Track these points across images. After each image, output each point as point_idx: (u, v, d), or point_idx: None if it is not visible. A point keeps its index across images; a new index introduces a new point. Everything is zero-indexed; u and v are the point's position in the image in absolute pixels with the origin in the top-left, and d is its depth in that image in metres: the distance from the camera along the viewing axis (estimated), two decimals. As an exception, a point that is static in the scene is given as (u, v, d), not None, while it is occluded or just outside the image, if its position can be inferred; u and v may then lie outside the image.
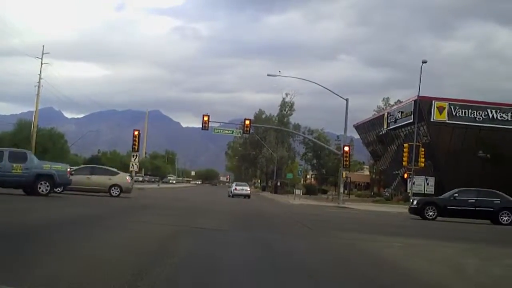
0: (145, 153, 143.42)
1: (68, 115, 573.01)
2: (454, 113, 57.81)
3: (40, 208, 17.27)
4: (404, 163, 48.47)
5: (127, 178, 32.17)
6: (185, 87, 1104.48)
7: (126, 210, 19.72)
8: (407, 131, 62.84)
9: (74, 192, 28.33)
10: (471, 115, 57.92)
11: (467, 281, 7.96)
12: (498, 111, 58.26)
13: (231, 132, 61.68)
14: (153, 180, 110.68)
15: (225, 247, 10.01)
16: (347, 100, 46.33)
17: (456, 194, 27.33)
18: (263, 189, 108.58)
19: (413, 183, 48.84)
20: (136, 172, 58.04)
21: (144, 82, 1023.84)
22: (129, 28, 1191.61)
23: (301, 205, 40.35)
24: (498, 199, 26.82)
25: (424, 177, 56.61)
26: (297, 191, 58.14)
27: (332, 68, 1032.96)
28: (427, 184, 57.72)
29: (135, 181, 57.02)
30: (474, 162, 56.73)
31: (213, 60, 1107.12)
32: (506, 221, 25.91)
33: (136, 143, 47.75)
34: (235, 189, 52.81)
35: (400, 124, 64.05)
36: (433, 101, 58.10)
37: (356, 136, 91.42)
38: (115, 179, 30.39)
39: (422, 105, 55.49)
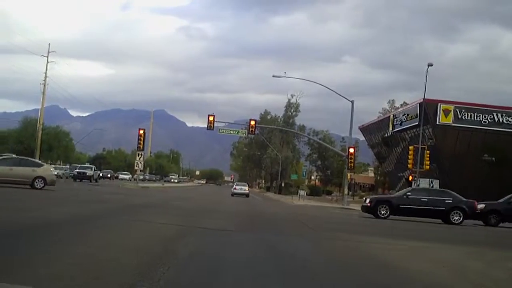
0: (150, 152, 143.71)
1: (73, 113, 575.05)
2: (459, 116, 57.71)
3: None
4: (409, 166, 48.39)
5: (51, 170, 31.77)
6: (190, 87, 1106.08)
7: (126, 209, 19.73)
8: (412, 134, 62.75)
9: None
10: (476, 118, 57.82)
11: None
12: (504, 114, 58.14)
13: (236, 132, 61.69)
14: (154, 179, 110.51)
15: (229, 248, 10.01)
16: (352, 102, 46.26)
17: (409, 193, 27.27)
18: (268, 189, 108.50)
19: (418, 186, 48.73)
20: (141, 171, 58.17)
21: (149, 82, 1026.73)
22: (135, 27, 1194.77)
23: (305, 206, 40.30)
24: (450, 199, 26.82)
25: (429, 179, 56.51)
26: (302, 192, 58.02)
27: (336, 70, 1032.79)
28: (432, 186, 57.65)
29: (136, 179, 57.22)
30: (479, 166, 56.63)
31: (218, 60, 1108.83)
32: (457, 220, 25.93)
33: (141, 142, 47.87)
34: (235, 188, 56.22)
35: (406, 127, 63.98)
36: (439, 104, 58.03)
37: (361, 138, 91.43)
38: (39, 171, 28.68)
39: (427, 108, 55.41)
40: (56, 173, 59.99)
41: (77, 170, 58.55)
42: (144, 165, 63.61)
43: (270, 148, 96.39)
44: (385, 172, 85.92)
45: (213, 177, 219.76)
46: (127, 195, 31.24)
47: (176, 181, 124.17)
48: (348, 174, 47.75)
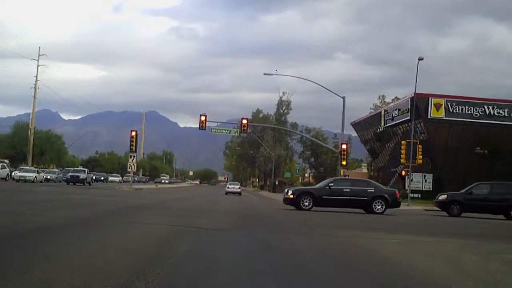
0: (143, 153, 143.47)
1: (65, 116, 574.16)
2: (451, 110, 57.94)
3: None
4: (402, 160, 48.52)
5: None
6: (182, 88, 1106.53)
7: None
8: (404, 128, 62.95)
9: None
10: (468, 111, 58.07)
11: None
12: (495, 107, 58.42)
13: (228, 131, 61.70)
14: (144, 180, 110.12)
15: (224, 247, 9.98)
16: (343, 98, 46.34)
17: (332, 184, 26.98)
18: (262, 188, 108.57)
19: (411, 180, 48.93)
20: (134, 173, 58.00)
21: (141, 83, 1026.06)
22: (126, 29, 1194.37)
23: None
24: (372, 188, 26.94)
25: (422, 174, 56.75)
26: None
27: (329, 67, 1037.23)
28: (425, 180, 57.88)
29: (124, 181, 56.79)
30: (471, 158, 56.88)
31: (210, 60, 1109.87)
32: (379, 209, 26.02)
33: (134, 144, 47.72)
34: (228, 187, 60.87)
35: (397, 122, 64.16)
36: (430, 98, 58.22)
37: (354, 134, 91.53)
38: None
39: (419, 102, 55.59)
40: (49, 177, 60.28)
41: (70, 173, 58.34)
42: (137, 167, 63.48)
43: (263, 147, 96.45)
44: (378, 167, 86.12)
45: (206, 177, 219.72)
46: (121, 197, 31.14)
47: (167, 181, 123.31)
48: (342, 171, 47.83)
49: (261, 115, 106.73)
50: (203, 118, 47.82)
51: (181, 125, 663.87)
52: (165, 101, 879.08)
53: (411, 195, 47.59)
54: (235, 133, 65.11)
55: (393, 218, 24.03)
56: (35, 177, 55.14)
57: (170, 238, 10.78)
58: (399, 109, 63.67)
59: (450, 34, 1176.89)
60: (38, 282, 5.75)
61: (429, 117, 57.98)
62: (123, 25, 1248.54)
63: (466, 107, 58.24)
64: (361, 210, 26.78)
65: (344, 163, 45.74)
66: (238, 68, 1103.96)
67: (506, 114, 58.05)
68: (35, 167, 64.40)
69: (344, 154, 45.27)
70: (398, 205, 27.61)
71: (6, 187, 37.49)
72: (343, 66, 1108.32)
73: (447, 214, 28.99)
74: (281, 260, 8.58)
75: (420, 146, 47.14)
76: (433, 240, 13.84)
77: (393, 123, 65.94)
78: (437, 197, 31.91)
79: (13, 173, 57.08)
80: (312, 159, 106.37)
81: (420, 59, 43.73)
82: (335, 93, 47.55)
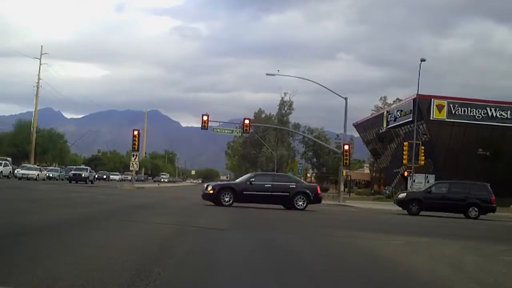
0: (145, 153, 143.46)
1: (67, 115, 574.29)
2: (453, 111, 57.90)
3: None
4: (404, 161, 48.55)
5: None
6: (185, 87, 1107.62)
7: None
8: (406, 130, 62.92)
9: None
10: (470, 113, 58.02)
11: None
12: (498, 109, 58.36)
13: (230, 131, 61.71)
14: (142, 179, 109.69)
15: (225, 246, 9.99)
16: (346, 98, 46.34)
17: (253, 179, 26.16)
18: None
19: (413, 181, 48.89)
20: (136, 172, 58.08)
21: (143, 82, 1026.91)
22: (129, 28, 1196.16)
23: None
24: (294, 184, 26.42)
25: (424, 175, 56.67)
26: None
27: (331, 67, 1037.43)
28: (428, 182, 57.74)
29: (125, 180, 56.56)
30: (473, 160, 56.82)
31: (212, 59, 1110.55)
32: (301, 205, 25.43)
33: (136, 143, 47.80)
34: None
35: (400, 123, 64.14)
36: (433, 100, 58.19)
37: (356, 134, 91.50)
38: None
39: (421, 104, 55.57)
40: (51, 175, 60.40)
41: (72, 171, 58.48)
42: (139, 166, 63.54)
43: (265, 147, 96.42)
44: (380, 168, 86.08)
45: (208, 176, 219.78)
46: (123, 195, 31.18)
47: (166, 180, 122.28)
48: (344, 171, 47.83)
49: (263, 115, 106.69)
50: (205, 118, 47.87)
51: (183, 124, 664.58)
52: (168, 100, 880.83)
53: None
54: (237, 133, 65.15)
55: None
56: (38, 175, 55.27)
57: (172, 238, 10.80)
58: (401, 110, 63.65)
59: (452, 35, 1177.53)
60: (39, 281, 5.77)
61: (431, 118, 57.95)
62: (126, 25, 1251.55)
63: (469, 108, 58.19)
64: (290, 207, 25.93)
65: (346, 163, 45.71)
66: (241, 68, 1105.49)
67: (508, 116, 57.99)
68: (37, 165, 64.51)
69: (346, 155, 45.27)
70: (319, 201, 27.17)
71: (8, 185, 37.56)
72: (345, 66, 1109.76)
73: (407, 213, 29.32)
74: (280, 259, 8.60)
75: (423, 147, 47.16)
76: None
77: (395, 124, 65.92)
78: (397, 195, 32.42)
79: (15, 171, 57.20)
80: (314, 160, 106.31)
81: (423, 60, 43.79)
82: (337, 94, 47.58)
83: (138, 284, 5.82)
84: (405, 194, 31.90)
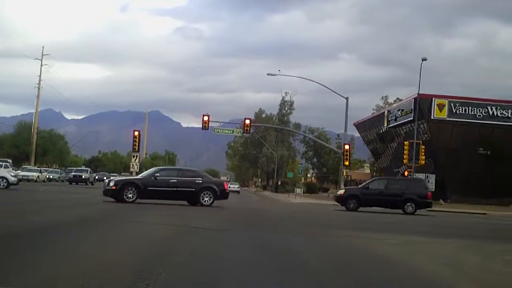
0: (146, 153, 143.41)
1: (68, 116, 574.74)
2: (454, 111, 57.82)
3: None
4: (404, 161, 48.49)
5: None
6: (186, 88, 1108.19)
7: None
8: (407, 129, 62.86)
9: None
10: (471, 112, 57.93)
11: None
12: (498, 108, 58.27)
13: (231, 131, 61.62)
14: None
15: (225, 247, 10.00)
16: (347, 98, 46.31)
17: (158, 174, 24.90)
18: (264, 188, 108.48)
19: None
20: (136, 172, 58.01)
21: (145, 83, 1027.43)
22: (131, 29, 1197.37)
23: (301, 204, 40.34)
24: (200, 179, 25.16)
25: (424, 174, 56.60)
26: (298, 190, 58.12)
27: (333, 67, 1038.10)
28: (428, 181, 57.71)
29: None
30: (474, 159, 56.77)
31: (214, 60, 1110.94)
32: (207, 201, 24.21)
33: (136, 144, 47.73)
34: (229, 186, 63.38)
35: (401, 122, 64.07)
36: (433, 99, 58.11)
37: (357, 134, 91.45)
38: None
39: (422, 103, 55.53)
40: (51, 176, 60.39)
41: (72, 173, 58.46)
42: (140, 167, 63.50)
43: (266, 147, 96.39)
44: (381, 168, 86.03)
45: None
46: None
47: None
48: (344, 171, 47.79)
49: (263, 115, 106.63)
50: (206, 118, 47.85)
51: (184, 125, 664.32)
52: (168, 101, 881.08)
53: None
54: (238, 133, 65.09)
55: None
56: (38, 176, 55.25)
57: (172, 238, 10.81)
58: (402, 110, 63.60)
59: (455, 35, 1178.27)
60: (40, 281, 5.78)
61: (432, 117, 57.87)
62: (129, 25, 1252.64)
63: (469, 107, 58.11)
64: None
65: (346, 163, 45.66)
66: (243, 68, 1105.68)
67: (509, 115, 57.91)
68: (37, 167, 64.51)
69: (347, 155, 45.22)
70: (226, 197, 25.68)
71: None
72: (347, 66, 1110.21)
73: (345, 209, 29.51)
74: (279, 258, 8.60)
75: (423, 146, 47.10)
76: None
77: (396, 123, 65.86)
78: (336, 191, 32.68)
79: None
80: (315, 160, 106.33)
81: (424, 59, 43.75)
82: (338, 94, 47.55)
83: (138, 285, 5.82)
84: (343, 190, 32.29)
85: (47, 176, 59.42)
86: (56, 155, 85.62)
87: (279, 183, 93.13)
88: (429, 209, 31.27)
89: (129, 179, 26.55)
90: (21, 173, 55.71)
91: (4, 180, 31.94)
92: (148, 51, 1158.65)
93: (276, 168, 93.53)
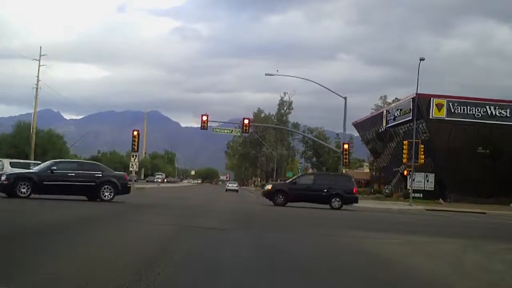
0: (145, 153, 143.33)
1: (67, 116, 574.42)
2: (452, 110, 57.83)
3: None
4: (403, 160, 48.49)
5: None
6: (185, 88, 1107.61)
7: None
8: (406, 129, 62.88)
9: None
10: (469, 111, 57.94)
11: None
12: (497, 107, 58.29)
13: (230, 131, 61.64)
14: (134, 179, 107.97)
15: (224, 247, 9.98)
16: (345, 98, 46.37)
17: (54, 167, 23.53)
18: (263, 187, 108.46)
19: (413, 180, 48.86)
20: (136, 172, 58.05)
21: (143, 83, 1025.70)
22: (129, 29, 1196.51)
23: (300, 203, 40.22)
24: (100, 172, 24.23)
25: (424, 173, 56.67)
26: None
27: (332, 67, 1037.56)
28: (427, 180, 57.90)
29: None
30: (473, 158, 56.79)
31: (213, 60, 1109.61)
32: (107, 196, 23.09)
33: (136, 144, 47.78)
34: (228, 186, 76.09)
35: (399, 122, 64.08)
36: (432, 98, 58.11)
37: (356, 134, 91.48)
38: None
39: (420, 103, 55.52)
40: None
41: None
42: (139, 166, 63.53)
43: (265, 146, 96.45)
44: (380, 167, 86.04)
45: (208, 176, 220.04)
46: (121, 196, 31.11)
47: (159, 180, 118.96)
48: (343, 170, 47.82)
49: (262, 115, 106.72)
50: (205, 118, 47.86)
51: (183, 124, 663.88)
52: (167, 101, 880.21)
53: (413, 195, 47.60)
54: (237, 132, 65.13)
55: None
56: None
57: (171, 238, 10.81)
58: (400, 109, 63.59)
59: (453, 35, 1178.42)
60: (40, 281, 5.78)
61: (430, 117, 57.86)
62: (127, 25, 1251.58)
63: (468, 107, 58.12)
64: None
65: (346, 162, 45.71)
66: (241, 68, 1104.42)
67: (508, 115, 57.92)
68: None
69: (346, 154, 45.27)
70: (128, 191, 24.49)
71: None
72: (346, 66, 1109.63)
73: (272, 204, 29.51)
74: (277, 257, 8.61)
75: (422, 146, 47.09)
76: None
77: (395, 123, 65.86)
78: (264, 187, 33.01)
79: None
80: (314, 159, 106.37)
81: (422, 59, 43.79)
82: (337, 94, 47.62)
83: (137, 284, 5.82)
84: (270, 185, 32.64)
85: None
86: (55, 155, 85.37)
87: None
88: (428, 208, 31.33)
89: (22, 172, 24.78)
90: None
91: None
92: (146, 51, 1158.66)
93: (275, 168, 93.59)
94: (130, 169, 52.81)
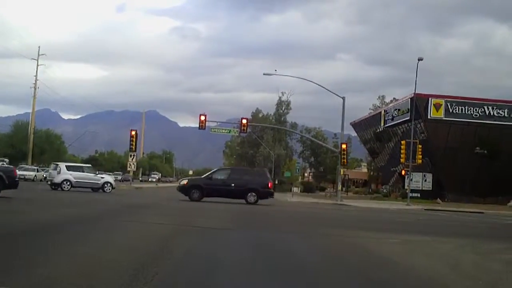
0: (143, 153, 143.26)
1: (65, 116, 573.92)
2: (450, 110, 57.88)
3: None
4: (401, 160, 48.53)
5: None
6: (183, 87, 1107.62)
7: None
8: (404, 128, 62.92)
9: None
10: (467, 111, 58.00)
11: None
12: (495, 107, 58.35)
13: (228, 131, 61.55)
14: (128, 179, 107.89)
15: (223, 246, 9.99)
16: (343, 98, 46.35)
17: None
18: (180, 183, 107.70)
19: (411, 180, 48.91)
20: (134, 171, 58.11)
21: (141, 83, 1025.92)
22: (128, 29, 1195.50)
23: (299, 203, 40.35)
24: None
25: (421, 173, 56.71)
26: (295, 189, 58.06)
27: (331, 67, 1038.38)
28: (425, 180, 57.95)
29: (115, 181, 55.95)
30: (471, 159, 56.87)
31: (211, 60, 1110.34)
32: None
33: (134, 143, 47.71)
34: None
35: (397, 122, 64.12)
36: (430, 98, 58.15)
37: (354, 134, 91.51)
38: None
39: (418, 103, 55.57)
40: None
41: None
42: (137, 166, 63.50)
43: (263, 146, 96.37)
44: (378, 167, 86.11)
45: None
46: (120, 196, 31.14)
47: (154, 180, 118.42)
48: (341, 170, 47.83)
49: (260, 115, 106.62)
50: (202, 118, 47.81)
51: (181, 124, 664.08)
52: (165, 101, 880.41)
53: (411, 194, 47.66)
54: (234, 132, 65.02)
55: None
56: (35, 175, 55.19)
57: (170, 237, 10.80)
58: (399, 109, 63.63)
59: (452, 35, 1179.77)
60: (38, 281, 5.77)
61: (429, 117, 57.90)
62: (126, 25, 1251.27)
63: (466, 107, 58.17)
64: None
65: (344, 162, 45.73)
66: (240, 68, 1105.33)
67: (505, 115, 57.99)
68: (35, 166, 64.43)
69: (344, 154, 45.26)
70: (16, 186, 22.02)
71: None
72: (344, 66, 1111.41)
73: (188, 199, 29.21)
74: (277, 257, 8.61)
75: (420, 146, 47.15)
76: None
77: (393, 123, 65.89)
78: (179, 182, 33.07)
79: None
80: (312, 159, 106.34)
81: (420, 59, 43.90)
82: (335, 94, 47.54)
83: (135, 284, 5.83)
84: (186, 180, 32.39)
85: (44, 175, 59.28)
86: (53, 155, 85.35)
87: (277, 182, 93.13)
88: (426, 208, 31.19)
89: None
90: (18, 172, 55.73)
91: (109, 185, 36.17)
92: (145, 51, 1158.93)
93: (273, 168, 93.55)
94: (128, 168, 52.83)
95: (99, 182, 36.02)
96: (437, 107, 57.81)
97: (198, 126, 48.72)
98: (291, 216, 21.87)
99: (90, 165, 42.39)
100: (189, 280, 6.49)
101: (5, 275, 5.96)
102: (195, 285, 6.33)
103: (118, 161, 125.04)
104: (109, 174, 50.60)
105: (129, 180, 69.53)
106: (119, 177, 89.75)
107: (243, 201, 29.82)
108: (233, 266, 7.65)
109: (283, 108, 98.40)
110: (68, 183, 34.63)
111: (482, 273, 8.37)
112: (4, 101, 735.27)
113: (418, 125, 57.75)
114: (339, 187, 47.33)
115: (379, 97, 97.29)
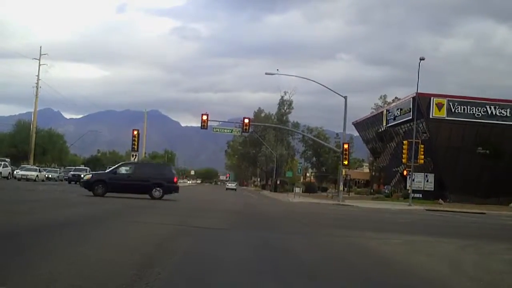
0: (145, 153, 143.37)
1: (67, 115, 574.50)
2: (453, 110, 57.79)
3: None
4: (403, 160, 48.46)
5: None
6: (185, 87, 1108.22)
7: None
8: (406, 128, 62.85)
9: None
10: (470, 111, 57.91)
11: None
12: (497, 107, 58.26)
13: (230, 131, 61.52)
14: None
15: (225, 246, 9.99)
16: (345, 97, 46.32)
17: None
18: (263, 187, 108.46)
19: (413, 180, 48.84)
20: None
21: (143, 83, 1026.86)
22: (129, 29, 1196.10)
23: (301, 203, 40.35)
24: None
25: (423, 173, 56.65)
26: (297, 189, 57.96)
27: (331, 67, 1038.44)
28: (427, 180, 57.89)
29: None
30: (473, 158, 56.79)
31: (212, 60, 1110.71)
32: None
33: (136, 143, 47.70)
34: (227, 185, 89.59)
35: (399, 121, 64.05)
36: (432, 98, 58.08)
37: (356, 133, 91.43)
38: None
39: (421, 102, 55.48)
40: (50, 175, 60.37)
41: (71, 172, 58.45)
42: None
43: (265, 146, 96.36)
44: (380, 167, 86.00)
45: (208, 176, 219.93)
46: (120, 196, 31.12)
47: None
48: (343, 170, 47.75)
49: (262, 115, 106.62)
50: (205, 117, 47.84)
51: (183, 124, 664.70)
52: (167, 101, 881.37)
53: (412, 195, 47.60)
54: (236, 132, 65.00)
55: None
56: (37, 176, 55.19)
57: (171, 238, 10.80)
58: (401, 109, 63.56)
59: (453, 35, 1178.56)
60: (38, 281, 5.76)
61: (431, 117, 57.82)
62: (127, 25, 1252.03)
63: (468, 107, 58.09)
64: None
65: (345, 162, 45.68)
66: (241, 68, 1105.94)
67: (508, 114, 57.91)
68: (36, 166, 64.51)
69: (345, 154, 45.22)
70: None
71: (8, 185, 37.53)
72: (345, 66, 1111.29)
73: (92, 194, 28.36)
74: (278, 257, 8.60)
75: (422, 146, 47.09)
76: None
77: (395, 123, 65.83)
78: (83, 176, 32.57)
79: (15, 172, 57.12)
80: (314, 159, 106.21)
81: (422, 59, 43.87)
82: (337, 93, 47.52)
83: (137, 284, 5.82)
84: (90, 175, 31.57)
85: (46, 175, 59.38)
86: (55, 155, 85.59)
87: (278, 182, 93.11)
88: (428, 209, 30.97)
89: None
90: (20, 172, 55.81)
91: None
92: (146, 51, 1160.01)
93: (275, 168, 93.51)
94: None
95: None
96: (439, 106, 57.73)
97: (200, 125, 48.76)
98: (292, 216, 21.85)
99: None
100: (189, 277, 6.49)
101: (6, 274, 5.96)
102: (195, 286, 6.33)
103: (120, 161, 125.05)
104: None
105: None
106: None
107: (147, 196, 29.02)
108: (235, 266, 7.64)
109: (285, 108, 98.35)
110: None
111: (484, 273, 8.36)
112: (6, 101, 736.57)
113: (420, 125, 57.67)
114: (341, 188, 47.26)
115: (381, 96, 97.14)
